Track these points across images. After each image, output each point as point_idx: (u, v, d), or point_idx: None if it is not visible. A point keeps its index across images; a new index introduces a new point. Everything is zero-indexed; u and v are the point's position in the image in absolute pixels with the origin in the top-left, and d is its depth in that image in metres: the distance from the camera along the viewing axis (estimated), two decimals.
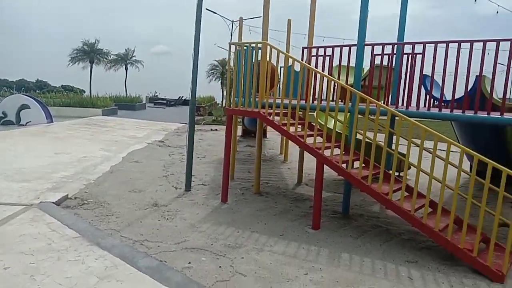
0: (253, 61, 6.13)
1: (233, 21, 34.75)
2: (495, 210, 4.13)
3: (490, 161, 3.98)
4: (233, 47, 6.82)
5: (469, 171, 5.13)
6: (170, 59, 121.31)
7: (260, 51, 6.11)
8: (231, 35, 34.96)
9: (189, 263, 4.15)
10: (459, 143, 9.64)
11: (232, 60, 6.96)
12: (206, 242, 4.73)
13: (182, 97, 39.49)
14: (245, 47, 6.16)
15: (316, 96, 6.03)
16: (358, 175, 5.01)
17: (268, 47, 6.10)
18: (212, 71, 46.80)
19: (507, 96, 4.85)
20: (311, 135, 5.60)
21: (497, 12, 19.86)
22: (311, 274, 4.03)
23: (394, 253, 4.66)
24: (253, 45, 6.07)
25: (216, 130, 18.13)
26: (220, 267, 4.10)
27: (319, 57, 6.60)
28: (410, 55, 5.97)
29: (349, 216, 6.02)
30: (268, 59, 6.11)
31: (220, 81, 45.57)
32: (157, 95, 45.57)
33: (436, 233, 4.38)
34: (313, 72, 6.07)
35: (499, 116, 4.70)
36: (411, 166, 5.38)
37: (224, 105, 31.60)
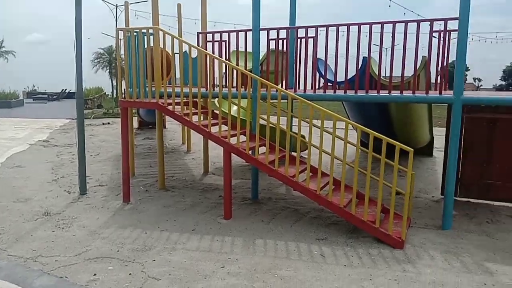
0: (145, 47, 5.71)
1: (117, 6, 32.64)
2: (391, 182, 4.46)
3: (384, 137, 4.26)
4: (121, 33, 6.29)
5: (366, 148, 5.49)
6: (47, 49, 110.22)
7: (152, 37, 5.71)
8: (116, 21, 32.86)
9: (95, 275, 3.75)
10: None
11: (121, 47, 6.42)
12: (111, 248, 4.33)
13: (66, 89, 36.10)
14: (135, 33, 5.69)
15: (217, 83, 5.88)
16: (265, 160, 5.02)
17: (161, 32, 5.74)
18: (98, 59, 43.42)
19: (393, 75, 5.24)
20: (216, 124, 5.45)
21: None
22: (228, 266, 3.93)
23: (304, 232, 4.79)
24: (144, 30, 5.64)
25: (109, 123, 16.94)
26: (130, 274, 3.78)
27: (215, 43, 6.43)
28: (304, 39, 6.12)
29: (259, 201, 6.06)
30: (161, 45, 5.76)
31: (108, 70, 42.60)
32: (35, 89, 41.02)
33: (341, 209, 4.60)
34: (212, 58, 5.88)
35: (387, 94, 5.07)
36: (314, 147, 5.58)
37: (115, 96, 29.71)
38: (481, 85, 67.55)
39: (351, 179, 4.78)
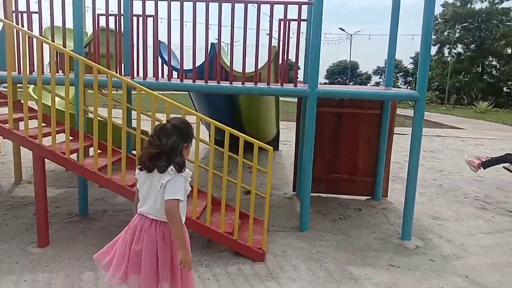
0: None
1: None
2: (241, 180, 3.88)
3: (242, 134, 3.63)
4: None
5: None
6: None
7: None
8: None
9: None
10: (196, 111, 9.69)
11: None
12: None
13: None
14: None
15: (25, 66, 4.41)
16: (93, 166, 3.88)
17: None
18: None
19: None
20: (21, 119, 4.04)
21: None
22: None
23: None
24: None
25: None
26: None
27: (23, 14, 4.90)
28: (142, 17, 5.09)
29: (89, 216, 4.84)
30: None
31: None
32: None
33: (194, 221, 3.82)
34: (20, 33, 4.40)
35: (241, 85, 4.48)
36: None
37: None
38: None
39: (206, 181, 4.04)
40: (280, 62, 4.77)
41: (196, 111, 9.21)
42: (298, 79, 5.73)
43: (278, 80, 5.90)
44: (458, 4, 46.53)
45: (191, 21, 4.44)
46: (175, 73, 5.19)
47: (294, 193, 6.16)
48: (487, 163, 6.25)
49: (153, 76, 4.69)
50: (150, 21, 4.67)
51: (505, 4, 43.69)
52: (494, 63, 45.36)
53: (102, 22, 5.30)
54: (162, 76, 5.06)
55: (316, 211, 5.30)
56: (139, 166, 2.36)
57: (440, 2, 47.29)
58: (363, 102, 5.58)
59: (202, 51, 4.61)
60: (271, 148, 3.68)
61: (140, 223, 2.34)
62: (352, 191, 5.98)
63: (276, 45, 5.26)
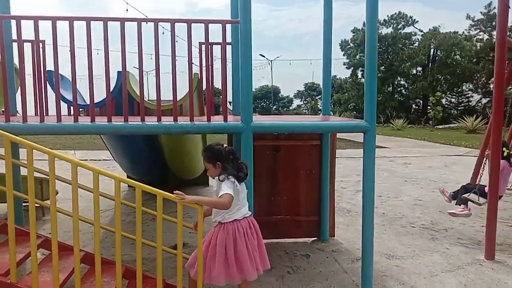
0: None
1: None
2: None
3: (162, 192, 2.71)
4: None
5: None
6: None
7: None
8: None
9: None
10: (112, 155, 8.45)
11: None
12: None
13: None
14: None
15: None
16: None
17: None
18: None
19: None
20: None
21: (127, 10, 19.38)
22: None
23: None
24: None
25: None
26: None
27: None
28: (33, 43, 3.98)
29: None
30: None
31: None
32: None
33: None
34: None
35: (157, 123, 3.55)
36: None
37: None
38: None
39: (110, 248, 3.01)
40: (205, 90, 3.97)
41: (108, 150, 8.03)
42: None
43: (203, 111, 5.11)
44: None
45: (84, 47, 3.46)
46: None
47: None
48: (454, 196, 5.90)
49: (37, 115, 3.59)
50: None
51: (406, 29, 47.77)
52: (402, 82, 48.88)
53: None
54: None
55: None
56: (239, 181, 3.01)
57: (350, 28, 50.52)
58: (301, 134, 4.93)
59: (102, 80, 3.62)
60: (200, 206, 2.79)
61: (248, 222, 3.10)
62: (296, 233, 5.23)
63: (198, 72, 4.48)
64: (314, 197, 5.18)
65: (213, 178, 3.10)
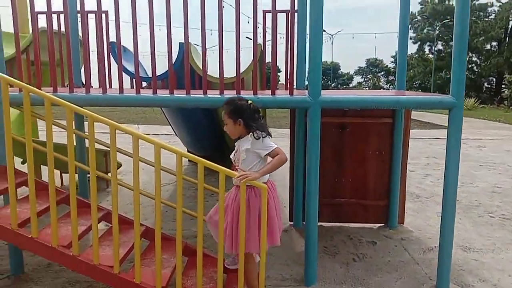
0: None
1: None
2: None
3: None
4: None
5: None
6: None
7: None
8: None
9: None
10: (172, 129, 8.50)
11: None
12: None
13: None
14: None
15: None
16: (12, 220, 2.70)
17: None
18: None
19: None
20: None
21: None
22: None
23: None
24: None
25: None
26: None
27: None
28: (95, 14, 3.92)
29: (23, 276, 3.63)
30: None
31: None
32: None
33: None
34: None
35: (219, 96, 3.34)
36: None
37: None
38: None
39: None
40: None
41: (169, 123, 8.07)
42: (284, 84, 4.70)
43: (265, 85, 4.85)
44: (437, 1, 46.48)
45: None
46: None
47: (291, 223, 5.04)
48: None
49: (100, 87, 3.53)
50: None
51: (482, 0, 43.80)
52: (474, 59, 45.29)
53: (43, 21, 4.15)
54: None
55: (322, 250, 4.21)
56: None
57: (418, 0, 47.37)
58: (372, 110, 4.52)
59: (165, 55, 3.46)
60: (265, 186, 2.56)
61: (271, 184, 2.82)
62: (361, 218, 4.90)
63: (261, 43, 4.21)
64: (383, 180, 4.78)
65: (233, 138, 2.83)
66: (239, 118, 2.69)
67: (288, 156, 5.10)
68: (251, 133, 2.68)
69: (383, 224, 4.93)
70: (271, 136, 2.78)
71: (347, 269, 3.81)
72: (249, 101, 2.78)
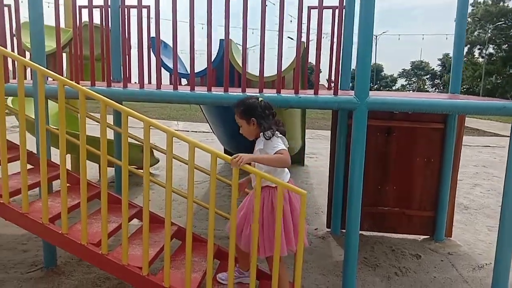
0: None
1: None
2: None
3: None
4: None
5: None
6: None
7: None
8: None
9: None
10: (210, 127, 8.45)
11: None
12: None
13: None
14: None
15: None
16: (43, 214, 2.66)
17: None
18: None
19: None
20: None
21: None
22: None
23: None
24: None
25: None
26: None
27: None
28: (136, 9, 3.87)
29: (57, 269, 3.63)
30: None
31: None
32: None
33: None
34: None
35: (261, 94, 3.19)
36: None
37: None
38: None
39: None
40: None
41: (207, 121, 8.02)
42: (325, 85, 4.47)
43: (306, 85, 4.65)
44: (490, 2, 44.22)
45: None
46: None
47: (329, 230, 4.81)
48: None
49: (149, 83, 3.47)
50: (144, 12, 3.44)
51: None
52: None
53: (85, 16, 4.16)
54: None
55: (362, 261, 3.96)
56: None
57: (470, 1, 45.20)
58: (421, 114, 4.21)
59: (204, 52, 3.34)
60: (305, 192, 2.37)
61: None
62: (405, 229, 4.59)
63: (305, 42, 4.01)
64: (431, 190, 4.46)
65: (250, 139, 2.70)
66: (252, 117, 2.60)
67: (327, 160, 4.88)
68: (261, 133, 2.60)
69: (428, 236, 4.60)
70: (284, 135, 2.68)
71: (389, 284, 3.55)
72: (260, 99, 2.66)
